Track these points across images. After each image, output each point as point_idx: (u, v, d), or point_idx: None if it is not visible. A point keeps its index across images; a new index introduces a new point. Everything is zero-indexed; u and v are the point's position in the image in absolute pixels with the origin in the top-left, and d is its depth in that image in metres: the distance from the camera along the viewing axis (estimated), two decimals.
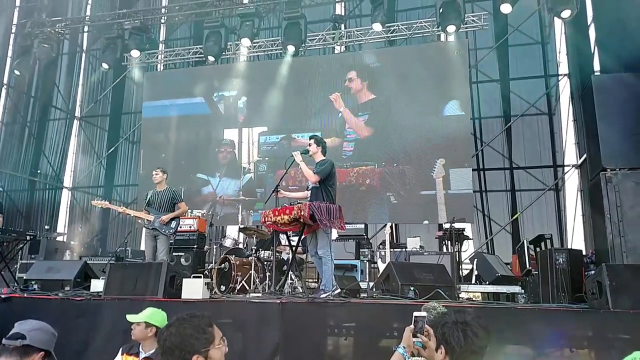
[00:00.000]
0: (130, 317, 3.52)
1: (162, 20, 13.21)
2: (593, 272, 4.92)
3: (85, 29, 12.62)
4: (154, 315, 3.51)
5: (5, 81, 12.92)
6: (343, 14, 13.33)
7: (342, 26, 12.00)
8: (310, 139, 5.77)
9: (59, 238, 11.70)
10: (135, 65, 12.77)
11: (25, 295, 5.36)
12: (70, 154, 14.58)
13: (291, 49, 10.97)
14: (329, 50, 12.41)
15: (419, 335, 2.14)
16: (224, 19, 11.68)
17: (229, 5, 11.52)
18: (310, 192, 5.60)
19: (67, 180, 14.56)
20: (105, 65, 12.16)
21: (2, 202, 7.48)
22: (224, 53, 11.63)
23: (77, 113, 14.76)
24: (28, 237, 7.19)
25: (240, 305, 4.82)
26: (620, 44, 8.26)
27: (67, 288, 5.72)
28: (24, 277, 6.42)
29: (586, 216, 10.30)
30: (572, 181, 11.48)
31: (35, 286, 5.88)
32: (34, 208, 13.57)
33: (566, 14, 9.08)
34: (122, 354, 3.58)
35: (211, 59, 11.53)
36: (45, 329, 2.13)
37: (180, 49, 12.90)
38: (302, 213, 5.18)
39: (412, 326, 2.17)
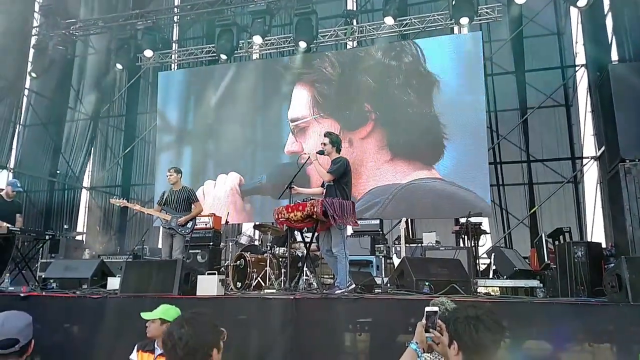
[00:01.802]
0: (145, 315, 3.54)
1: (175, 20, 13.28)
2: (612, 265, 4.82)
3: (99, 30, 12.73)
4: (169, 312, 3.53)
5: (25, 85, 13.16)
6: (355, 9, 13.27)
7: (354, 21, 11.93)
8: (325, 136, 5.72)
9: (78, 237, 11.88)
10: (149, 65, 12.88)
11: (43, 293, 5.45)
12: (88, 154, 14.79)
13: (303, 45, 10.96)
14: (341, 46, 12.36)
15: (431, 330, 2.11)
16: (235, 16, 11.72)
17: (241, 3, 11.53)
18: (325, 190, 5.57)
19: (86, 180, 14.79)
20: (119, 66, 12.30)
21: (21, 203, 7.61)
22: (236, 51, 11.66)
23: (94, 114, 14.94)
24: (47, 237, 7.31)
25: (255, 302, 4.82)
26: (638, 33, 8.08)
27: (84, 286, 5.80)
28: (43, 276, 6.54)
29: (605, 209, 10.11)
30: (591, 173, 11.28)
31: (54, 284, 5.98)
32: (53, 208, 13.80)
33: (582, 3, 8.93)
34: (138, 351, 3.61)
35: (223, 57, 11.58)
36: (27, 321, 2.11)
37: (193, 48, 12.98)
38: (315, 209, 5.16)
39: (424, 321, 2.14)
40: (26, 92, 13.39)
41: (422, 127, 10.34)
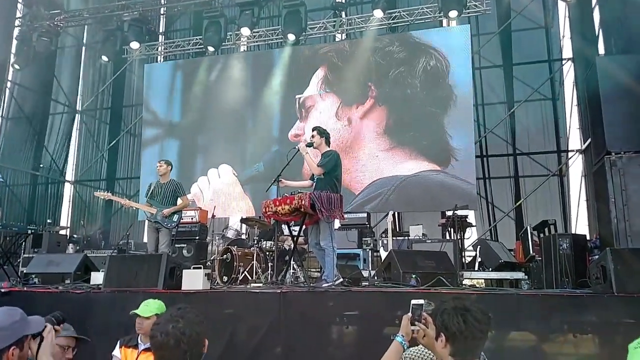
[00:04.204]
0: (143, 313, 3.45)
1: (162, 12, 13.11)
2: (597, 256, 4.86)
3: (84, 21, 12.52)
4: (161, 307, 3.50)
5: (8, 77, 12.92)
6: (344, 1, 13.16)
7: (343, 13, 11.87)
8: (313, 130, 5.69)
9: (62, 232, 11.71)
10: (135, 58, 12.71)
11: (25, 289, 5.35)
12: (72, 147, 14.60)
13: (291, 37, 10.89)
14: (330, 39, 12.29)
15: (417, 323, 2.09)
16: (223, 8, 11.59)
17: None
18: (315, 183, 5.54)
19: (70, 174, 14.60)
20: (105, 58, 12.13)
21: (0, 197, 7.47)
22: (223, 43, 11.55)
23: (78, 106, 14.73)
24: (29, 231, 7.20)
25: (241, 296, 4.79)
26: (625, 26, 8.13)
27: (67, 281, 5.69)
28: (25, 271, 6.42)
29: (590, 201, 10.21)
30: (576, 166, 11.39)
31: (36, 280, 5.86)
32: (36, 202, 13.61)
33: None
34: (121, 347, 3.54)
35: (211, 49, 11.48)
36: (3, 324, 1.85)
37: (180, 40, 12.82)
38: (303, 202, 5.13)
39: (410, 314, 2.12)
40: (9, 84, 13.12)
41: (428, 129, 10.32)
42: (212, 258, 7.59)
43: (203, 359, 1.94)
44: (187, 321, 1.85)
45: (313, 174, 5.60)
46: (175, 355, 1.81)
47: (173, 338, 1.80)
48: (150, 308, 3.45)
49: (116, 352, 3.56)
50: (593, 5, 9.85)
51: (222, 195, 11.32)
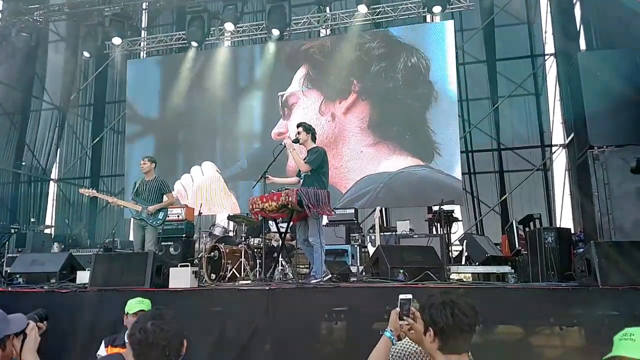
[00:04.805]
0: (144, 306, 3.44)
1: (144, 6, 12.95)
2: (582, 250, 4.93)
3: (64, 16, 12.30)
4: (150, 304, 3.50)
5: None
6: None
7: (327, 9, 11.84)
8: (298, 126, 5.66)
9: (47, 231, 11.54)
10: (118, 53, 12.55)
11: (9, 289, 5.27)
12: (55, 145, 14.37)
13: (276, 33, 10.85)
14: (314, 34, 12.26)
15: (405, 318, 2.10)
16: (206, 3, 11.47)
17: None
18: (302, 180, 5.52)
19: (54, 172, 14.38)
20: (86, 54, 11.97)
21: None
22: (207, 39, 11.46)
23: (60, 103, 14.49)
24: (12, 230, 7.07)
25: (229, 293, 4.77)
26: (605, 22, 8.25)
27: (52, 280, 5.61)
28: (8, 271, 6.31)
29: (574, 195, 10.35)
30: (559, 161, 11.56)
31: (20, 280, 5.76)
32: (19, 201, 13.39)
33: None
34: (107, 346, 3.51)
35: (194, 44, 11.38)
36: None
37: (162, 35, 12.68)
38: (290, 199, 5.12)
39: (398, 309, 2.13)
40: None
41: (410, 124, 10.39)
42: (199, 256, 7.54)
43: (190, 357, 1.94)
44: (165, 320, 1.89)
45: (299, 170, 5.59)
46: (155, 351, 1.82)
47: (152, 334, 1.83)
48: (146, 304, 3.46)
49: (101, 351, 3.53)
50: (574, 2, 9.97)
51: (206, 193, 11.25)
